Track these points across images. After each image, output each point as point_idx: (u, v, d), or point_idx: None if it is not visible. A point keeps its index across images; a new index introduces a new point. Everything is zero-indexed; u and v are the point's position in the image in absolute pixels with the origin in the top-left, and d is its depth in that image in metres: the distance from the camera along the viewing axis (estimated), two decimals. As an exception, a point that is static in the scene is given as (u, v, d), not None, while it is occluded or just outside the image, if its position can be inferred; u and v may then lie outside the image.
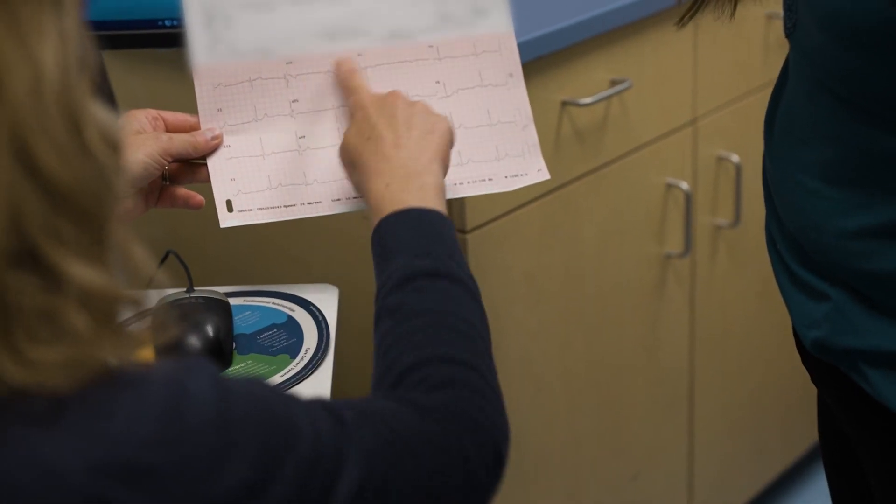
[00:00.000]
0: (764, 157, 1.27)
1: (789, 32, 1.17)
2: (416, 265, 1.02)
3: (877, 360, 1.15)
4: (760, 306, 2.24)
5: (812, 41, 1.12)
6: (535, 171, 1.30)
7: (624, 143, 1.90)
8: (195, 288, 1.31)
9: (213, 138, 1.26)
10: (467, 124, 1.29)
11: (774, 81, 1.28)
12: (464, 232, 1.69)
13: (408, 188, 1.08)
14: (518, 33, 1.33)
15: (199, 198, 1.28)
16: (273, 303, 1.35)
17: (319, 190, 1.26)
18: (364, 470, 0.82)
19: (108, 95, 1.52)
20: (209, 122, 1.27)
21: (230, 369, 1.24)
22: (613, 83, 1.84)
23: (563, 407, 1.93)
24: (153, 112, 1.26)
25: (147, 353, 0.76)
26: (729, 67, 2.06)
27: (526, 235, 1.78)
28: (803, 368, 1.32)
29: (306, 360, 1.25)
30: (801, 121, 1.18)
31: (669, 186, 2.00)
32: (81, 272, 0.70)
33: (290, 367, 1.24)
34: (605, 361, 1.98)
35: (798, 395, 2.36)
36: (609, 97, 1.83)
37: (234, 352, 1.26)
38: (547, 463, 1.92)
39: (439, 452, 0.87)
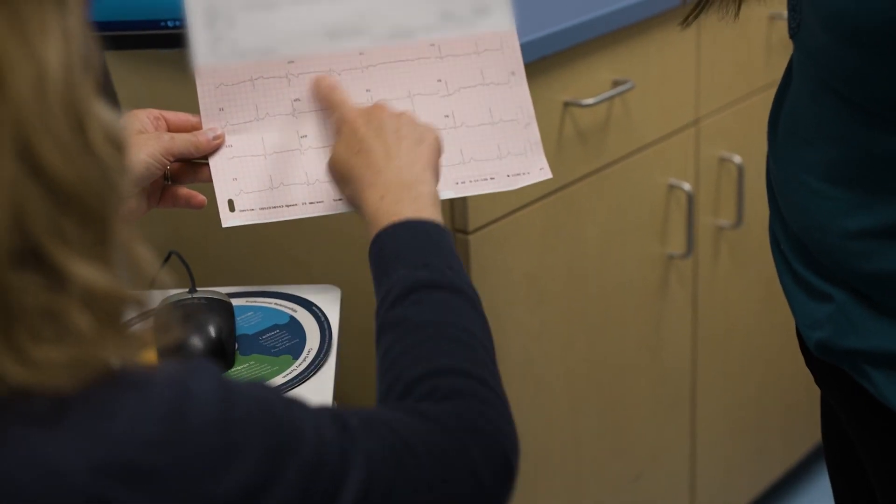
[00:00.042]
0: (768, 157, 1.27)
1: (793, 32, 1.17)
2: (416, 277, 1.01)
3: (880, 361, 1.15)
4: (762, 307, 2.24)
5: (816, 41, 1.11)
6: (538, 170, 1.30)
7: (626, 143, 1.90)
8: (197, 288, 1.31)
9: (215, 138, 1.26)
10: (469, 123, 1.29)
11: (777, 82, 1.27)
12: (466, 233, 1.69)
13: (403, 199, 1.08)
14: (521, 34, 1.33)
15: (201, 197, 1.28)
16: (275, 303, 1.34)
17: (321, 189, 1.26)
18: (369, 476, 0.81)
19: (111, 96, 1.52)
20: (211, 122, 1.27)
21: (232, 370, 1.24)
22: (616, 84, 1.84)
23: (565, 407, 1.93)
24: (155, 112, 1.26)
25: (150, 355, 0.76)
26: (731, 68, 2.05)
27: (528, 236, 1.78)
28: (805, 369, 1.31)
29: (308, 360, 1.25)
30: (805, 121, 1.18)
31: (672, 187, 2.00)
32: (85, 272, 0.70)
33: (292, 368, 1.24)
34: (607, 362, 1.98)
35: (800, 396, 2.36)
36: (611, 98, 1.83)
37: (237, 352, 1.26)
38: (549, 463, 1.92)
39: (447, 461, 0.87)
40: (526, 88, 1.31)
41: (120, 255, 0.73)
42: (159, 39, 1.42)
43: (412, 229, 1.06)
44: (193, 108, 1.27)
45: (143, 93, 1.84)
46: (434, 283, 1.01)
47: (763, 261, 2.17)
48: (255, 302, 1.35)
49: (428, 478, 0.85)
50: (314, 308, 1.33)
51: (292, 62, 1.27)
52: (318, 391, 1.20)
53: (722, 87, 2.04)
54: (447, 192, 1.28)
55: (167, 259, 1.29)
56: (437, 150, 1.15)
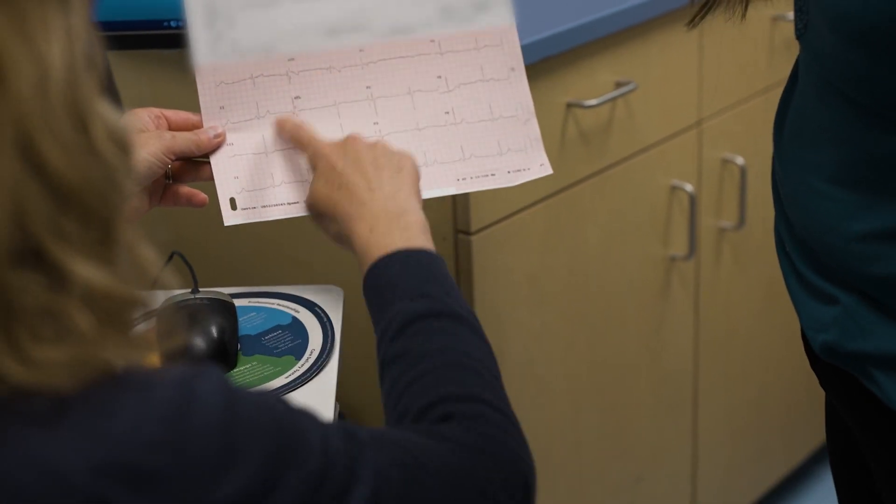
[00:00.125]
0: (773, 159, 1.27)
1: (800, 34, 1.17)
2: (414, 308, 1.00)
3: (886, 364, 1.15)
4: (764, 309, 2.24)
5: (823, 43, 1.11)
6: (538, 166, 1.30)
7: (629, 144, 1.90)
8: (200, 289, 1.30)
9: (216, 136, 1.26)
10: (469, 119, 1.29)
11: (779, 84, 1.27)
12: (468, 233, 1.69)
13: (392, 230, 1.07)
14: (523, 35, 1.33)
15: (203, 196, 1.27)
16: (278, 304, 1.34)
17: (323, 188, 1.25)
18: (375, 491, 0.81)
19: (114, 95, 1.51)
20: (212, 120, 1.26)
21: (235, 371, 1.24)
22: (618, 85, 1.83)
23: (567, 409, 1.93)
24: (156, 111, 1.26)
25: (153, 357, 0.76)
26: (734, 69, 2.05)
27: (530, 237, 1.78)
28: (807, 371, 1.31)
29: (311, 361, 1.24)
30: (811, 123, 1.18)
31: (674, 188, 1.99)
32: (86, 271, 0.69)
33: (295, 369, 1.23)
34: (608, 363, 1.97)
35: (802, 398, 2.36)
36: (614, 99, 1.82)
37: (239, 353, 1.26)
38: (550, 464, 1.92)
39: (461, 482, 0.86)
40: (526, 84, 1.31)
41: (123, 256, 0.72)
42: (162, 39, 1.42)
43: (405, 260, 1.05)
44: (196, 109, 1.27)
45: (145, 93, 1.84)
46: (433, 312, 1.00)
47: (765, 262, 2.17)
48: (258, 302, 1.35)
49: (439, 497, 0.85)
50: (317, 308, 1.33)
51: (293, 60, 1.27)
52: (321, 392, 1.20)
53: (724, 89, 2.04)
54: (448, 188, 1.28)
55: (170, 259, 1.29)
56: (417, 176, 1.15)
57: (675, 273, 2.04)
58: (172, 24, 1.39)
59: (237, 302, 1.32)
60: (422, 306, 1.00)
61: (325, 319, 1.30)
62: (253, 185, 1.26)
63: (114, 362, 0.72)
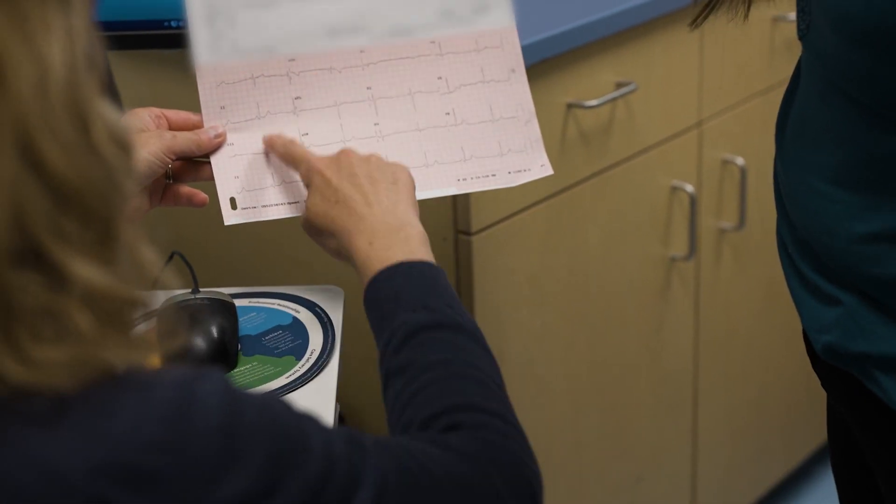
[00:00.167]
0: (775, 160, 1.27)
1: (803, 34, 1.17)
2: (417, 320, 1.00)
3: (889, 365, 1.14)
4: (764, 309, 2.24)
5: (825, 43, 1.11)
6: (539, 167, 1.30)
7: (629, 145, 1.90)
8: (200, 289, 1.30)
9: (217, 136, 1.26)
10: (470, 120, 1.29)
11: (780, 84, 1.27)
12: (468, 234, 1.69)
13: (392, 243, 1.07)
14: (524, 36, 1.33)
15: (203, 195, 1.27)
16: (278, 304, 1.34)
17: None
18: (379, 495, 0.80)
19: (114, 96, 1.51)
20: (212, 120, 1.26)
21: (235, 371, 1.23)
22: (619, 86, 1.83)
23: (567, 409, 1.93)
24: (156, 110, 1.26)
25: (153, 358, 0.76)
26: (734, 70, 2.05)
27: (530, 237, 1.78)
28: (808, 371, 1.31)
29: (312, 361, 1.24)
30: (814, 123, 1.17)
31: (674, 189, 1.99)
32: (86, 271, 0.69)
33: (295, 369, 1.23)
34: (608, 364, 1.97)
35: (802, 399, 2.36)
36: (614, 100, 1.83)
37: (239, 353, 1.26)
38: (550, 465, 1.92)
39: (467, 489, 0.86)
40: (526, 85, 1.31)
41: (123, 256, 0.72)
42: (162, 39, 1.42)
43: (407, 272, 1.05)
44: (196, 109, 1.27)
45: (145, 93, 1.84)
46: (435, 323, 1.00)
47: (765, 263, 2.17)
48: (258, 303, 1.35)
49: (445, 503, 0.85)
50: (317, 309, 1.33)
51: (293, 60, 1.27)
52: (321, 392, 1.20)
53: (725, 89, 2.04)
54: (449, 188, 1.28)
55: (170, 259, 1.29)
56: (413, 187, 1.15)
57: (675, 273, 2.04)
58: (173, 24, 1.39)
59: (237, 302, 1.32)
60: (424, 318, 1.00)
61: (326, 320, 1.30)
62: (253, 184, 1.26)
63: (114, 362, 0.71)
